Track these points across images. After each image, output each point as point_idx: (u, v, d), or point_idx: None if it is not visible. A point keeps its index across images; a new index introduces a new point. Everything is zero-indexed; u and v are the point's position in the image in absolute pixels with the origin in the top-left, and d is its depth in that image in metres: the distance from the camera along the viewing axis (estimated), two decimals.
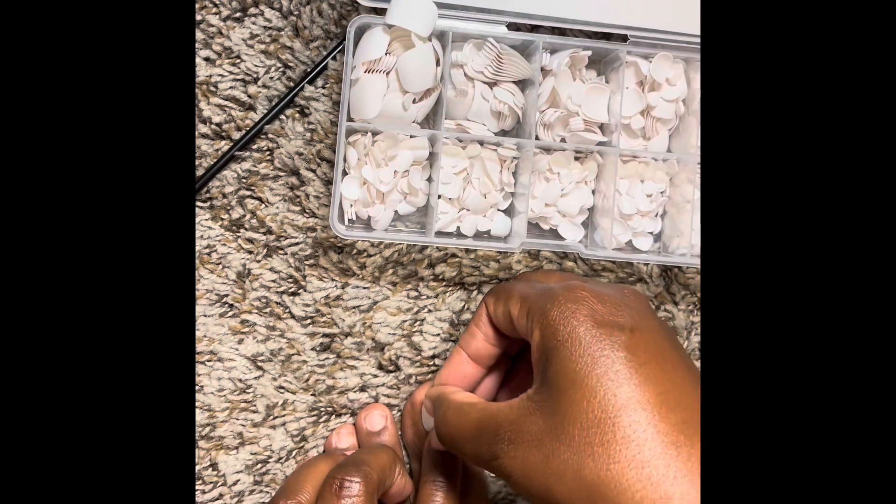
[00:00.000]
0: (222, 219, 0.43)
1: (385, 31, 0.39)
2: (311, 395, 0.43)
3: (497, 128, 0.42)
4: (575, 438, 0.29)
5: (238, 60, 0.43)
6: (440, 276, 0.44)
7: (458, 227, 0.42)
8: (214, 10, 0.42)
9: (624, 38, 0.42)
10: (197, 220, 0.42)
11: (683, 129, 0.43)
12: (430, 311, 0.44)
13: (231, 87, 0.43)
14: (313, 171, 0.43)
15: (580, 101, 0.41)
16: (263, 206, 0.43)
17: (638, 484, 0.27)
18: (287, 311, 0.43)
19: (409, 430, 0.42)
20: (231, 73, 0.43)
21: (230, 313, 0.43)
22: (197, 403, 0.42)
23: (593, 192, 0.43)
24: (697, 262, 0.42)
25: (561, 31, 0.43)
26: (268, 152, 0.43)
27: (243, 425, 0.42)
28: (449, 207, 0.42)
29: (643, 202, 0.43)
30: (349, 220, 0.41)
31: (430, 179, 0.42)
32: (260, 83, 0.43)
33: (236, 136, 0.43)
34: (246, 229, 0.43)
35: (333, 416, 0.43)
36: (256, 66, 0.43)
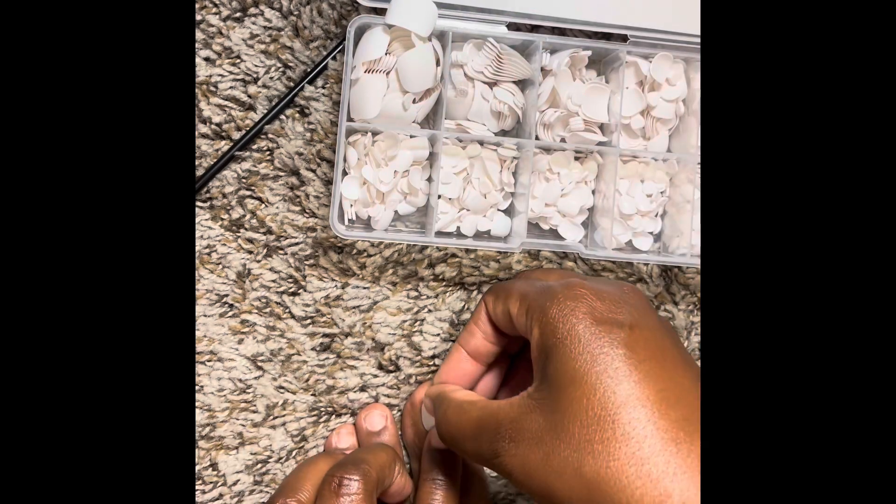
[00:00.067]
0: (222, 219, 0.43)
1: (385, 31, 0.39)
2: (311, 395, 0.43)
3: (497, 128, 0.42)
4: (575, 436, 0.29)
5: (238, 60, 0.43)
6: (440, 276, 0.44)
7: (458, 227, 0.42)
8: (214, 10, 0.42)
9: (624, 38, 0.42)
10: (197, 220, 0.42)
11: (683, 129, 0.43)
12: (430, 311, 0.44)
13: (231, 87, 0.43)
14: (313, 171, 0.43)
15: (580, 101, 0.41)
16: (263, 206, 0.43)
17: (638, 481, 0.27)
18: (287, 311, 0.43)
19: (409, 430, 0.42)
20: (231, 73, 0.43)
21: (230, 313, 0.43)
22: (197, 403, 0.42)
23: (593, 192, 0.43)
24: (697, 262, 0.42)
25: (561, 31, 0.43)
26: (268, 152, 0.43)
27: (243, 425, 0.42)
28: (449, 207, 0.42)
29: (643, 202, 0.43)
30: (349, 220, 0.41)
31: (430, 179, 0.42)
32: (260, 83, 0.43)
33: (236, 136, 0.43)
34: (246, 229, 0.43)
35: (333, 416, 0.43)
36: (256, 66, 0.43)
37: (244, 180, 0.43)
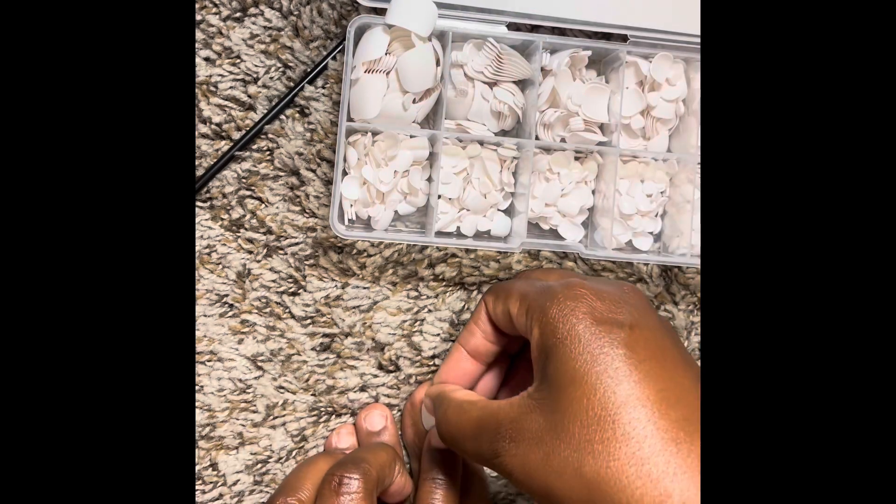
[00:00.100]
0: (222, 219, 0.43)
1: (385, 31, 0.39)
2: (311, 395, 0.43)
3: (497, 128, 0.42)
4: (575, 436, 0.29)
5: (238, 60, 0.43)
6: (440, 276, 0.44)
7: (458, 227, 0.42)
8: (214, 10, 0.42)
9: (624, 38, 0.42)
10: (197, 220, 0.42)
11: (683, 129, 0.43)
12: (430, 311, 0.44)
13: (231, 87, 0.43)
14: (313, 171, 0.43)
15: (580, 101, 0.41)
16: (263, 206, 0.43)
17: (638, 481, 0.27)
18: (287, 311, 0.43)
19: (409, 430, 0.42)
20: (231, 73, 0.43)
21: (230, 313, 0.43)
22: (197, 403, 0.42)
23: (593, 192, 0.43)
24: (697, 262, 0.42)
25: (561, 31, 0.43)
26: (268, 152, 0.43)
27: (243, 425, 0.42)
28: (449, 207, 0.42)
29: (643, 202, 0.43)
30: (349, 220, 0.41)
31: (430, 179, 0.42)
32: (260, 83, 0.43)
33: (236, 136, 0.43)
34: (246, 229, 0.43)
35: (333, 416, 0.43)
36: (256, 66, 0.43)
37: (244, 180, 0.43)
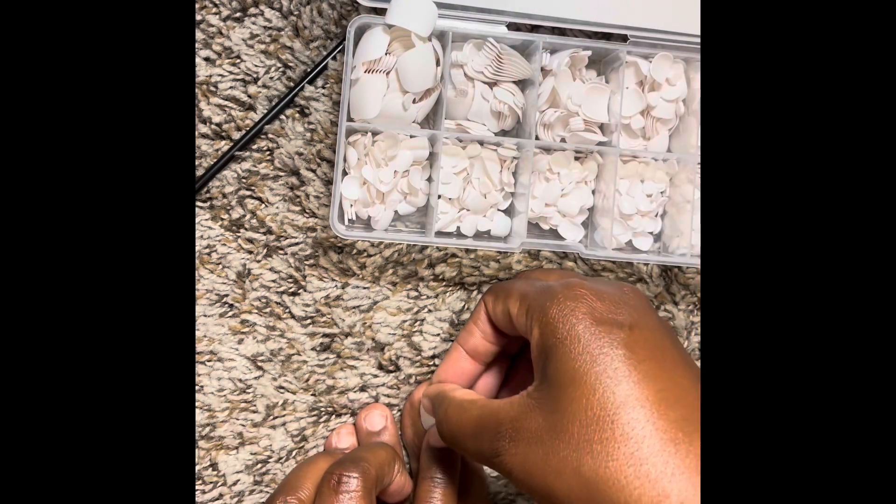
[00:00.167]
0: (222, 219, 0.43)
1: (385, 31, 0.39)
2: (311, 395, 0.43)
3: (497, 128, 0.42)
4: (574, 436, 0.29)
5: (238, 60, 0.43)
6: (440, 276, 0.44)
7: (458, 227, 0.42)
8: (214, 10, 0.42)
9: (624, 38, 0.42)
10: (197, 220, 0.42)
11: (683, 129, 0.43)
12: (430, 311, 0.44)
13: (231, 87, 0.43)
14: (313, 171, 0.43)
15: (580, 101, 0.41)
16: (263, 206, 0.43)
17: (636, 481, 0.27)
18: (287, 311, 0.43)
19: (409, 430, 0.42)
20: (231, 73, 0.43)
21: (230, 313, 0.43)
22: (197, 403, 0.42)
23: (593, 192, 0.43)
24: (697, 262, 0.42)
25: (561, 31, 0.43)
26: (268, 152, 0.43)
27: (243, 425, 0.42)
28: (449, 207, 0.42)
29: (643, 202, 0.43)
30: (349, 220, 0.41)
31: (430, 179, 0.42)
32: (260, 83, 0.43)
33: (236, 136, 0.43)
34: (246, 229, 0.43)
35: (333, 416, 0.43)
36: (256, 66, 0.43)
37: (244, 180, 0.43)
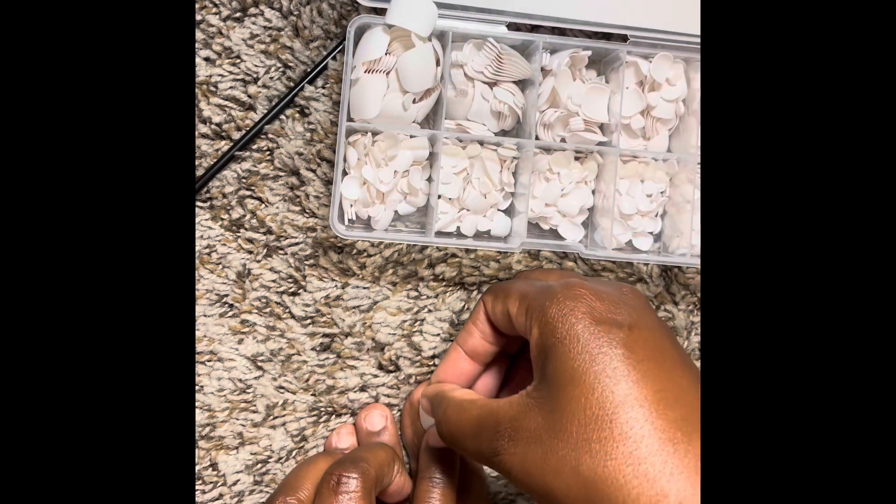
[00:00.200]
0: (222, 219, 0.43)
1: (385, 31, 0.39)
2: (311, 395, 0.43)
3: (497, 128, 0.42)
4: (573, 435, 0.29)
5: (238, 60, 0.43)
6: (440, 276, 0.44)
7: (458, 227, 0.42)
8: (214, 10, 0.42)
9: (624, 38, 0.42)
10: (197, 220, 0.42)
11: (683, 129, 0.43)
12: (430, 311, 0.44)
13: (231, 87, 0.43)
14: (313, 171, 0.43)
15: (580, 101, 0.41)
16: (263, 206, 0.43)
17: (634, 480, 0.27)
18: (287, 311, 0.43)
19: (409, 430, 0.42)
20: (231, 73, 0.43)
21: (230, 313, 0.43)
22: (197, 403, 0.42)
23: (593, 192, 0.43)
24: (697, 262, 0.42)
25: (561, 31, 0.43)
26: (268, 152, 0.43)
27: (243, 425, 0.42)
28: (449, 207, 0.42)
29: (643, 202, 0.43)
30: (349, 220, 0.41)
31: (430, 179, 0.42)
32: (260, 83, 0.43)
33: (236, 136, 0.43)
34: (246, 229, 0.43)
35: (333, 416, 0.43)
36: (256, 66, 0.43)
37: (244, 180, 0.43)
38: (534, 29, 0.43)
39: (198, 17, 0.42)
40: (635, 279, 0.45)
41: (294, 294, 0.43)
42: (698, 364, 0.44)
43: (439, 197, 0.41)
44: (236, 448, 0.42)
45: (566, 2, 0.41)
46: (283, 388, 0.43)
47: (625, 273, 0.45)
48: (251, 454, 0.42)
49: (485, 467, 0.43)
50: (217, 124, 0.43)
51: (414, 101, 0.39)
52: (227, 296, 0.43)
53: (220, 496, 0.42)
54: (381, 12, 0.39)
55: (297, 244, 0.43)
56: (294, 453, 0.43)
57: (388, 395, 0.43)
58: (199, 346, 0.42)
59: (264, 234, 0.43)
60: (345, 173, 0.41)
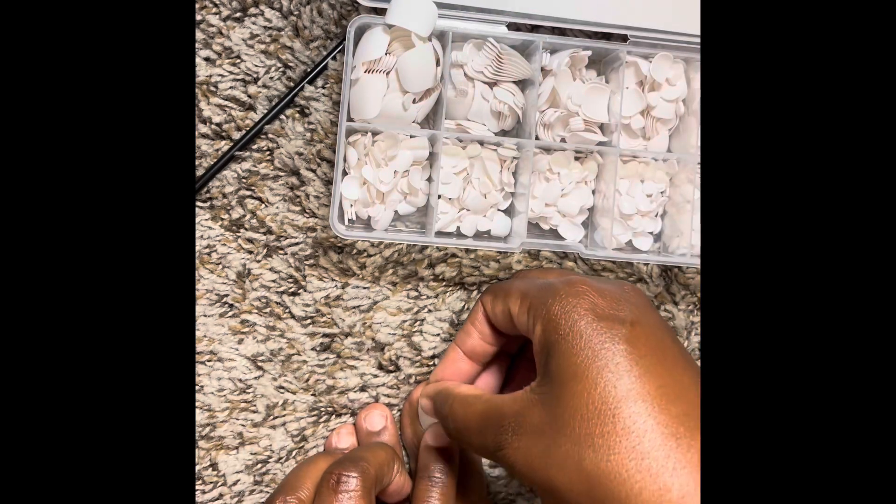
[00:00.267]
0: (222, 219, 0.43)
1: (385, 31, 0.39)
2: (311, 395, 0.43)
3: (497, 128, 0.42)
4: (575, 430, 0.29)
5: (238, 60, 0.43)
6: (440, 276, 0.44)
7: (458, 227, 0.42)
8: (214, 10, 0.42)
9: (624, 38, 0.42)
10: (197, 220, 0.42)
11: (683, 129, 0.43)
12: (430, 311, 0.44)
13: (231, 87, 0.43)
14: (313, 171, 0.43)
15: (580, 101, 0.41)
16: (263, 206, 0.43)
17: (637, 475, 0.27)
18: (287, 311, 0.43)
19: (409, 430, 0.42)
20: (231, 73, 0.43)
21: (230, 313, 0.43)
22: (197, 403, 0.42)
23: (593, 192, 0.44)
24: (697, 262, 0.42)
25: (561, 31, 0.43)
26: (268, 152, 0.43)
27: (243, 425, 0.42)
28: (449, 207, 0.42)
29: (643, 202, 0.43)
30: (349, 220, 0.41)
31: (430, 179, 0.42)
32: (260, 83, 0.43)
33: (236, 136, 0.43)
34: (246, 229, 0.43)
35: (333, 416, 0.43)
36: (256, 66, 0.43)
37: (244, 180, 0.43)
38: (534, 29, 0.43)
39: (198, 17, 0.42)
40: (635, 279, 0.45)
41: (294, 294, 0.43)
42: (698, 363, 0.44)
43: (439, 197, 0.41)
44: (236, 448, 0.42)
45: (566, 2, 0.41)
46: (283, 388, 0.43)
47: (625, 273, 0.45)
48: (251, 454, 0.42)
49: (485, 467, 0.43)
50: (217, 124, 0.43)
51: (414, 101, 0.39)
52: (227, 296, 0.43)
53: (220, 496, 0.42)
54: (381, 12, 0.39)
55: (297, 244, 0.43)
56: (294, 453, 0.43)
57: (388, 395, 0.43)
58: (199, 346, 0.42)
59: (264, 234, 0.43)
60: (345, 173, 0.41)
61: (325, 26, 0.43)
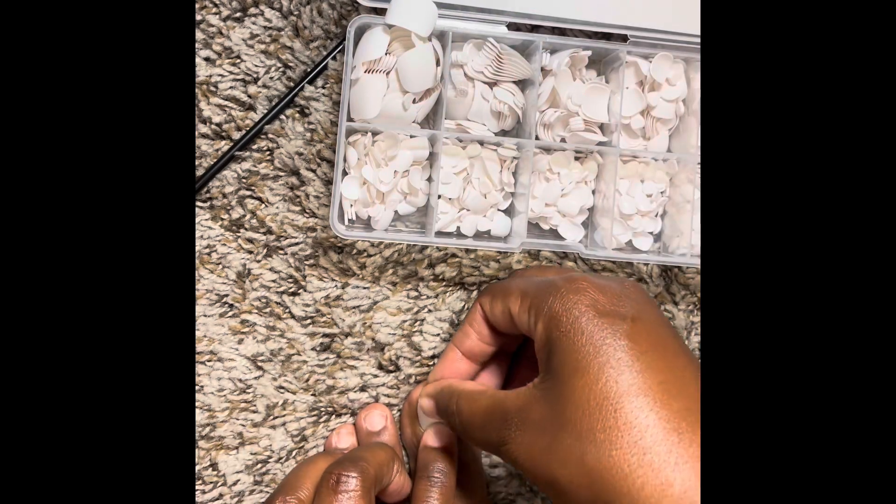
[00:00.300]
0: (222, 219, 0.43)
1: (385, 31, 0.39)
2: (311, 395, 0.43)
3: (497, 128, 0.42)
4: (577, 425, 0.29)
5: (238, 60, 0.43)
6: (440, 276, 0.44)
7: (458, 227, 0.42)
8: (214, 10, 0.42)
9: (624, 38, 0.42)
10: (197, 220, 0.42)
11: (683, 129, 0.43)
12: (430, 311, 0.44)
13: (231, 87, 0.43)
14: (313, 171, 0.43)
15: (580, 101, 0.41)
16: (263, 206, 0.43)
17: (639, 470, 0.27)
18: (287, 311, 0.43)
19: (408, 430, 0.42)
20: (231, 73, 0.43)
21: (230, 313, 0.43)
22: (197, 403, 0.42)
23: (593, 192, 0.43)
24: (697, 262, 0.42)
25: (561, 31, 0.43)
26: (268, 152, 0.43)
27: (243, 425, 0.42)
28: (449, 207, 0.42)
29: (643, 202, 0.43)
30: (349, 220, 0.41)
31: (430, 179, 0.42)
32: (260, 83, 0.43)
33: (236, 136, 0.43)
34: (246, 229, 0.43)
35: (333, 416, 0.43)
36: (256, 66, 0.43)
37: (244, 180, 0.43)
38: (534, 29, 0.43)
39: (198, 17, 0.42)
40: (635, 279, 0.45)
41: (294, 294, 0.43)
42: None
43: (439, 197, 0.41)
44: (236, 448, 0.42)
45: (566, 2, 0.41)
46: (283, 388, 0.43)
47: (625, 273, 0.45)
48: (251, 454, 0.42)
49: (485, 467, 0.43)
50: (217, 124, 0.43)
51: (414, 101, 0.39)
52: (227, 296, 0.43)
53: (220, 496, 0.42)
54: (381, 12, 0.39)
55: (297, 244, 0.43)
56: (294, 453, 0.43)
57: (388, 395, 0.43)
58: (199, 346, 0.42)
59: (264, 234, 0.43)
60: (345, 173, 0.41)
61: (325, 26, 0.43)
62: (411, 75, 0.38)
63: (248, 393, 0.43)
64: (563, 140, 0.42)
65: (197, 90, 0.42)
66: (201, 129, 0.42)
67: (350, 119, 0.39)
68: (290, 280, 0.43)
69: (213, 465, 0.42)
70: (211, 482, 0.42)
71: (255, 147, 0.43)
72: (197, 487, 0.42)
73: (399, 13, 0.38)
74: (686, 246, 0.42)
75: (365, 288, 0.43)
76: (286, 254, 0.43)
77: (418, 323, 0.44)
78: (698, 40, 0.41)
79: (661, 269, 0.45)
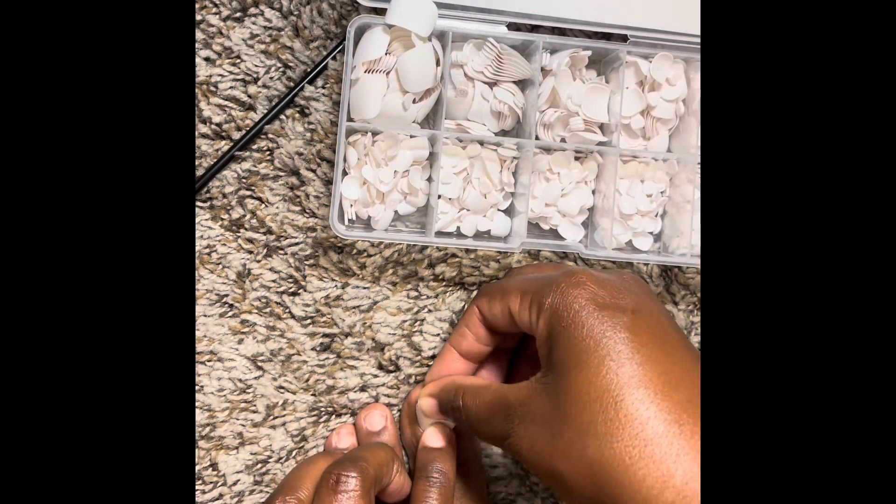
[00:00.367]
0: (222, 219, 0.43)
1: (385, 31, 0.39)
2: (311, 395, 0.43)
3: (497, 128, 0.42)
4: (579, 418, 0.29)
5: (238, 60, 0.43)
6: (440, 276, 0.44)
7: (458, 227, 0.42)
8: (214, 10, 0.42)
9: (624, 38, 0.42)
10: (197, 220, 0.42)
11: (683, 129, 0.43)
12: (430, 311, 0.44)
13: (231, 87, 0.43)
14: (313, 171, 0.43)
15: (580, 101, 0.41)
16: (263, 206, 0.43)
17: (640, 462, 0.27)
18: (287, 311, 0.43)
19: (408, 430, 0.42)
20: (231, 73, 0.43)
21: (230, 313, 0.43)
22: (197, 403, 0.42)
23: (593, 192, 0.44)
24: (697, 262, 0.42)
25: (561, 31, 0.43)
26: (268, 152, 0.43)
27: (243, 425, 0.42)
28: (449, 207, 0.42)
29: (643, 202, 0.43)
30: (349, 220, 0.41)
31: (430, 179, 0.42)
32: (260, 83, 0.43)
33: (236, 136, 0.43)
34: (246, 229, 0.43)
35: (333, 416, 0.43)
36: (256, 66, 0.43)
37: (244, 180, 0.43)
38: (534, 29, 0.43)
39: (198, 17, 0.42)
40: None
41: (294, 294, 0.43)
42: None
43: (439, 197, 0.41)
44: (236, 448, 0.42)
45: (566, 2, 0.41)
46: (283, 388, 0.43)
47: None
48: (251, 454, 0.42)
49: (485, 467, 0.43)
50: (217, 124, 0.43)
51: (414, 101, 0.39)
52: (227, 296, 0.43)
53: (220, 496, 0.42)
54: (381, 12, 0.39)
55: (297, 244, 0.43)
56: (294, 453, 0.43)
57: (388, 395, 0.43)
58: (199, 346, 0.42)
59: (264, 234, 0.43)
60: (345, 173, 0.41)
61: (325, 26, 0.43)
62: (411, 75, 0.38)
63: (248, 393, 0.43)
64: (563, 140, 0.42)
65: (197, 90, 0.42)
66: (201, 129, 0.42)
67: (350, 119, 0.39)
68: (290, 280, 0.43)
69: (213, 465, 0.42)
70: (211, 482, 0.42)
71: (255, 147, 0.43)
72: (197, 487, 0.42)
73: (399, 13, 0.38)
74: (686, 246, 0.42)
75: (365, 288, 0.43)
76: (286, 254, 0.43)
77: (418, 323, 0.44)
78: (698, 40, 0.41)
79: (661, 269, 0.45)
